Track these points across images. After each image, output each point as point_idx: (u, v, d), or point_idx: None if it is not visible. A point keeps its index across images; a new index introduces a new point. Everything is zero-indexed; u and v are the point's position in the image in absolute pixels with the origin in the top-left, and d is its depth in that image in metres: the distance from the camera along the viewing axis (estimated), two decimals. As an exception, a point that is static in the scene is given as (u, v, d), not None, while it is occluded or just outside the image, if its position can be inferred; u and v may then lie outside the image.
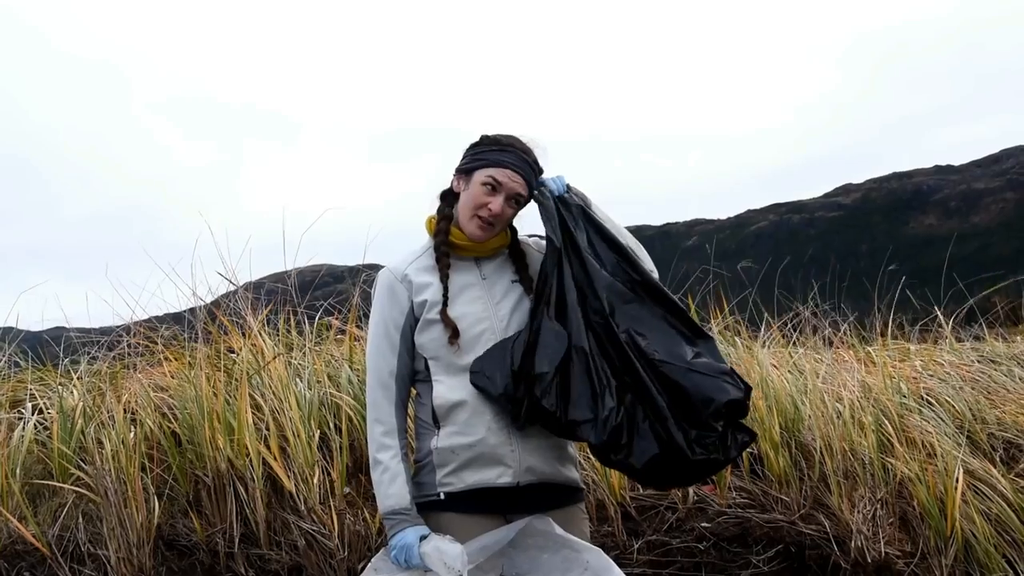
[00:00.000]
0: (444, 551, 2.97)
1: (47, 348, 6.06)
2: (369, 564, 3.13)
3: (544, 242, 3.40)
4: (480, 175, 3.18)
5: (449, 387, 3.12)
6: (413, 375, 3.25)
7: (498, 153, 3.20)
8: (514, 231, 3.35)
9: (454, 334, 3.11)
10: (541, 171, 3.26)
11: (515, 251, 3.32)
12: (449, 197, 3.30)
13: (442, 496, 3.11)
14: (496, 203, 3.15)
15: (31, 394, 5.21)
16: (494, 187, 3.16)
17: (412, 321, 3.21)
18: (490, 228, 3.19)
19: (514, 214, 3.24)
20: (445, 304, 3.15)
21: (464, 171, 3.25)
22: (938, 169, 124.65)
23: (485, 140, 3.27)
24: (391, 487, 3.11)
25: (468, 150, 3.29)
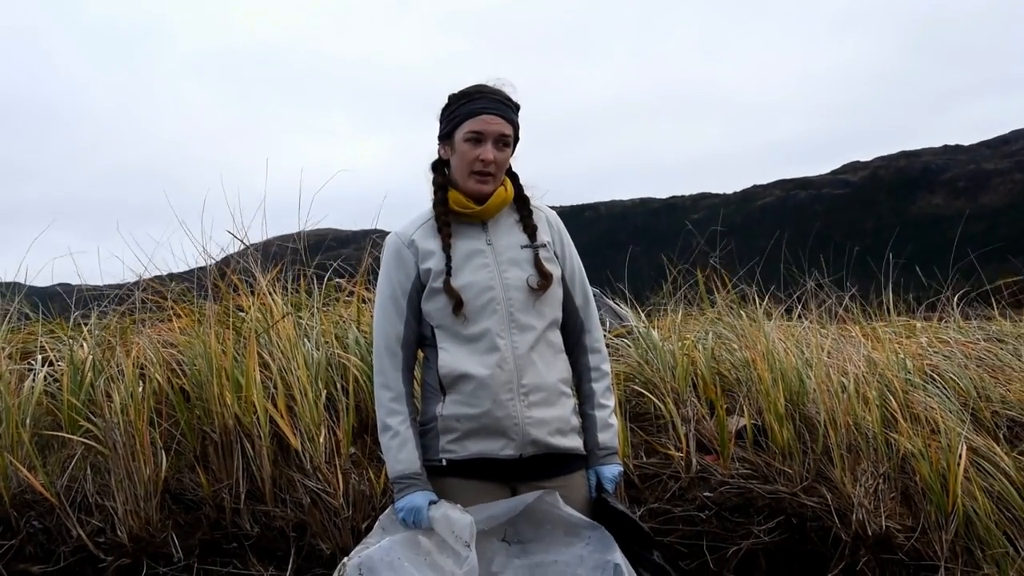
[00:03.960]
0: (453, 520, 3.00)
1: (57, 301, 6.08)
2: (376, 523, 3.16)
3: (551, 211, 3.41)
4: (461, 133, 3.18)
5: (455, 356, 3.14)
6: (420, 340, 3.27)
7: (469, 104, 3.20)
8: (517, 183, 3.35)
9: (458, 304, 3.12)
10: (518, 106, 3.26)
11: (522, 208, 3.32)
12: (440, 166, 3.31)
13: (444, 463, 3.14)
14: (486, 151, 3.15)
15: (41, 346, 5.23)
16: (479, 138, 3.16)
17: (419, 287, 3.22)
18: (490, 179, 3.19)
19: (508, 156, 3.24)
20: (448, 275, 3.16)
21: (445, 136, 3.26)
22: (947, 148, 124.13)
23: (453, 98, 3.26)
24: (401, 452, 3.13)
25: (442, 114, 3.29)
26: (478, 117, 3.16)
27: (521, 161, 3.33)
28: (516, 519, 3.11)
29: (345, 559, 3.05)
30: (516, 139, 3.25)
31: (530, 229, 3.27)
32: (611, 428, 3.30)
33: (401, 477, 3.12)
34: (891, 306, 6.64)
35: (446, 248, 3.18)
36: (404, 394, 3.20)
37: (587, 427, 3.29)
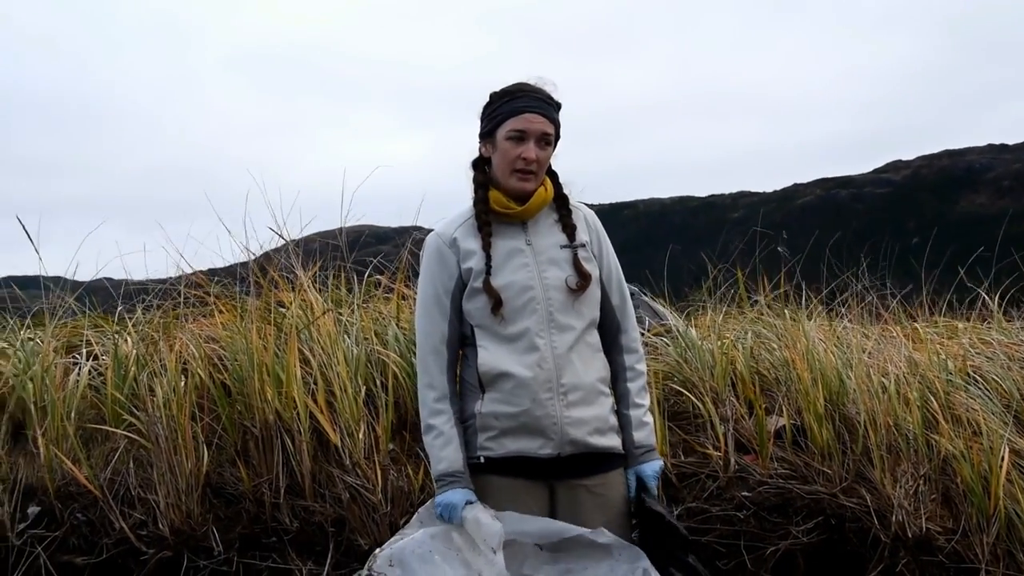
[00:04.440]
0: (483, 525, 3.02)
1: (101, 296, 6.15)
2: (415, 515, 3.19)
3: (589, 210, 3.41)
4: (503, 131, 3.19)
5: (494, 355, 3.15)
6: (463, 339, 3.28)
7: (512, 103, 3.20)
8: (556, 181, 3.35)
9: (497, 304, 3.13)
10: (559, 105, 3.26)
11: (562, 208, 3.32)
12: (481, 164, 3.31)
13: (482, 460, 3.16)
14: (529, 150, 3.15)
15: (87, 340, 5.30)
16: (521, 136, 3.16)
17: (461, 286, 3.23)
18: (533, 177, 3.19)
19: (549, 155, 3.24)
20: (488, 274, 3.17)
21: (487, 134, 3.26)
22: (991, 148, 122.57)
23: (495, 97, 3.27)
24: (444, 450, 3.15)
25: (483, 112, 3.30)
26: (521, 116, 3.17)
27: (560, 158, 3.35)
28: (559, 554, 3.12)
29: (378, 549, 3.07)
30: (557, 138, 3.25)
31: (569, 229, 3.28)
32: (646, 426, 3.31)
33: (443, 475, 3.14)
34: (933, 306, 6.58)
35: (486, 247, 3.19)
36: (448, 393, 3.22)
37: (623, 426, 3.29)
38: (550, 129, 3.20)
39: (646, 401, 3.35)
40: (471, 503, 3.09)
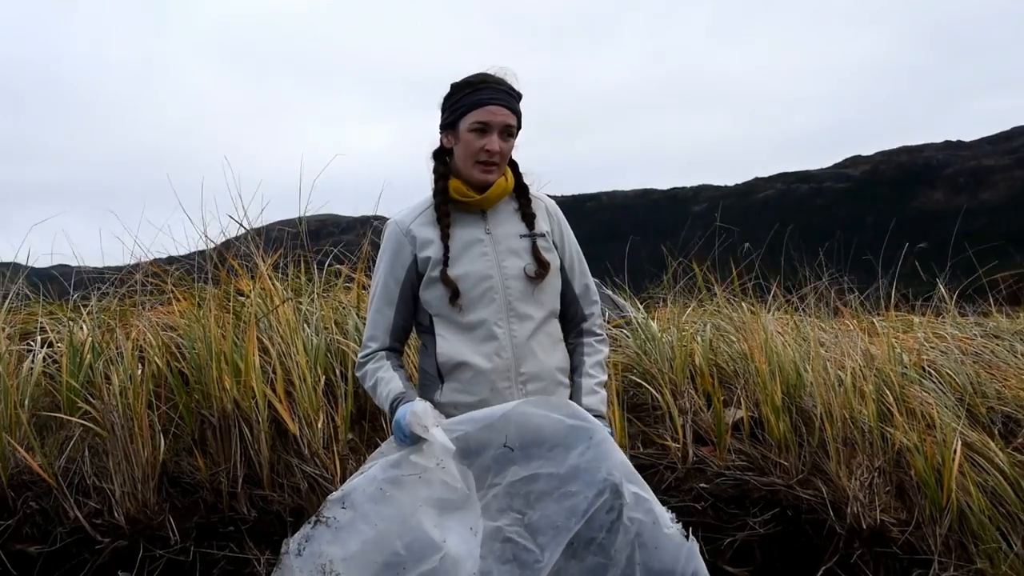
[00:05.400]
0: (416, 411, 2.95)
1: (56, 283, 6.08)
2: (377, 450, 3.15)
3: (551, 200, 3.42)
4: (466, 122, 3.18)
5: (453, 345, 3.16)
6: (410, 328, 3.32)
7: (474, 95, 3.19)
8: (516, 172, 3.35)
9: (455, 294, 3.13)
10: (520, 96, 3.25)
11: (522, 197, 3.32)
12: (442, 155, 3.30)
13: None
14: (492, 142, 3.15)
15: (41, 327, 5.24)
16: (484, 128, 3.15)
17: (415, 276, 3.23)
18: (495, 168, 3.19)
19: (511, 146, 3.24)
20: (446, 265, 3.17)
21: (449, 125, 3.25)
22: (948, 144, 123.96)
23: (456, 87, 3.25)
24: (388, 385, 3.18)
25: (445, 103, 3.28)
26: (484, 108, 3.16)
27: (527, 150, 3.34)
28: (510, 425, 3.02)
29: (332, 493, 3.02)
30: (519, 128, 3.25)
31: (529, 218, 3.28)
32: (597, 394, 3.27)
33: (395, 397, 3.13)
34: (889, 301, 6.65)
35: (444, 238, 3.19)
36: (391, 351, 3.27)
37: (573, 393, 3.27)
38: (513, 121, 3.20)
39: (600, 375, 3.32)
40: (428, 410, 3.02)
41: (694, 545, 3.00)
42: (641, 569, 2.92)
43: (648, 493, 3.00)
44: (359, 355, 3.33)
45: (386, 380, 3.20)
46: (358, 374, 3.32)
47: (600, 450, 2.99)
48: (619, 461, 3.00)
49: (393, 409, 3.10)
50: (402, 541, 2.85)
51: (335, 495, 2.96)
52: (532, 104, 3.30)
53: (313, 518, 2.93)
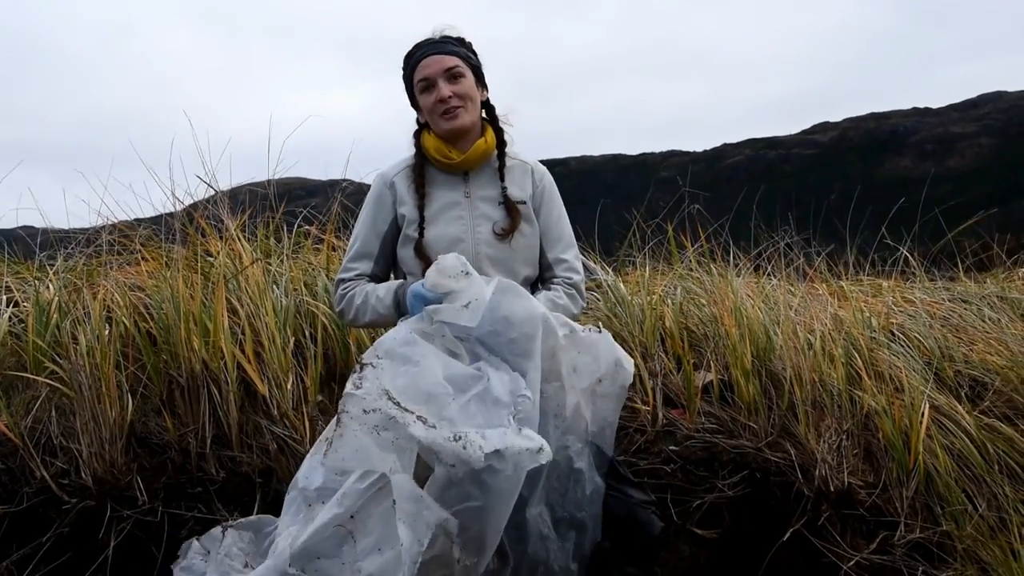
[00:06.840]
0: (439, 265, 2.93)
1: (21, 244, 6.00)
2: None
3: (540, 165, 3.41)
4: (416, 89, 3.27)
5: None
6: (387, 278, 3.38)
7: (410, 61, 3.28)
8: (499, 133, 3.34)
9: (427, 265, 3.13)
10: (460, 39, 3.30)
11: (502, 159, 3.32)
12: (420, 130, 3.37)
13: None
14: (441, 90, 3.19)
15: (6, 286, 5.17)
16: (428, 83, 3.22)
17: (395, 230, 3.26)
18: (458, 111, 3.21)
19: (469, 86, 3.25)
20: (421, 237, 3.18)
21: (411, 99, 3.33)
22: (916, 111, 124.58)
23: (402, 66, 3.34)
24: (378, 290, 3.24)
25: (404, 83, 3.37)
26: (418, 65, 3.23)
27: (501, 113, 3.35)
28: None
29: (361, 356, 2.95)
30: (474, 68, 3.27)
31: (508, 180, 3.29)
32: (559, 307, 3.23)
33: (397, 287, 3.20)
34: (858, 265, 6.69)
35: (420, 207, 3.22)
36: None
37: None
38: (452, 62, 3.23)
39: (567, 304, 3.30)
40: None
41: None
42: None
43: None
44: (336, 290, 3.38)
45: (375, 286, 3.25)
46: (338, 307, 3.35)
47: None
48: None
49: (400, 294, 3.15)
50: (445, 373, 2.84)
51: (369, 351, 2.91)
52: (505, 67, 3.29)
53: (357, 366, 2.87)
